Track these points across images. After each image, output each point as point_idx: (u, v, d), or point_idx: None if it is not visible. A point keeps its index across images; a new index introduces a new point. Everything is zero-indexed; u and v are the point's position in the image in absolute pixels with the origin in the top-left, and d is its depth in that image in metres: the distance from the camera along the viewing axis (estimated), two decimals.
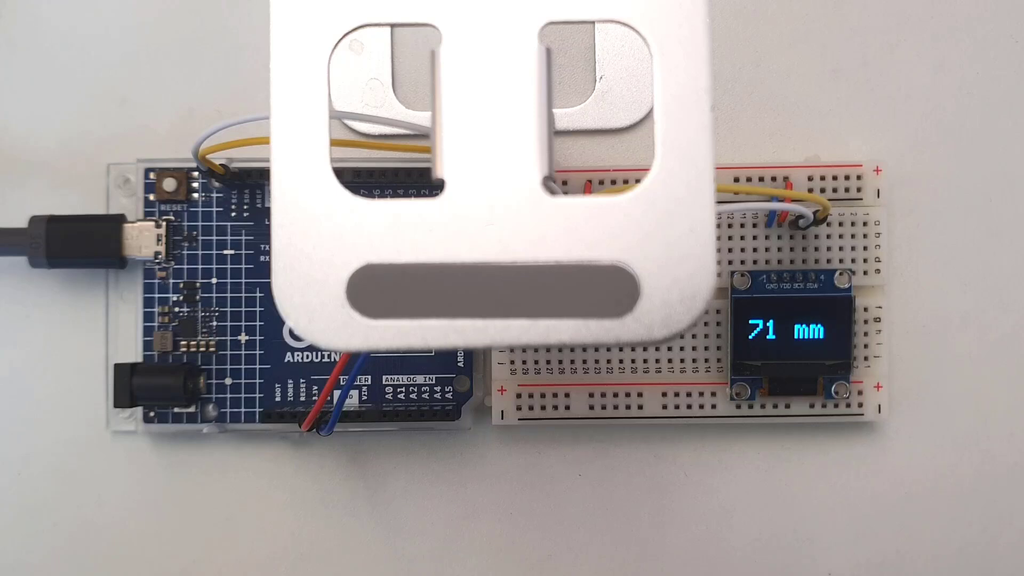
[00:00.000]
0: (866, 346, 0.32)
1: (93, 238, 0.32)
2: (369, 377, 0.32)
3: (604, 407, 0.32)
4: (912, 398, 0.33)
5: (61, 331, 0.33)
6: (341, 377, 0.31)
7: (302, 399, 0.33)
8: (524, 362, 0.32)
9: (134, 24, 0.34)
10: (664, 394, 0.32)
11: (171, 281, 0.33)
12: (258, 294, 0.33)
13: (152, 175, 0.32)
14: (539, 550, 0.33)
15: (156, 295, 0.33)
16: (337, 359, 0.32)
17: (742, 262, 0.32)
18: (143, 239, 0.32)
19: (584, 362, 0.32)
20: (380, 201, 0.20)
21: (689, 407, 0.32)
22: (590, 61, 0.33)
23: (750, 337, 0.31)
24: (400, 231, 0.20)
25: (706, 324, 0.32)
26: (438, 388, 0.32)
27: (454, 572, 0.33)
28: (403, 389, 0.32)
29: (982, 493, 0.33)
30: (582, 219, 0.20)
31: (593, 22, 0.22)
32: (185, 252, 0.33)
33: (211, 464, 0.33)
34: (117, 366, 0.32)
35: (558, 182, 0.31)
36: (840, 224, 0.32)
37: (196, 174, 0.32)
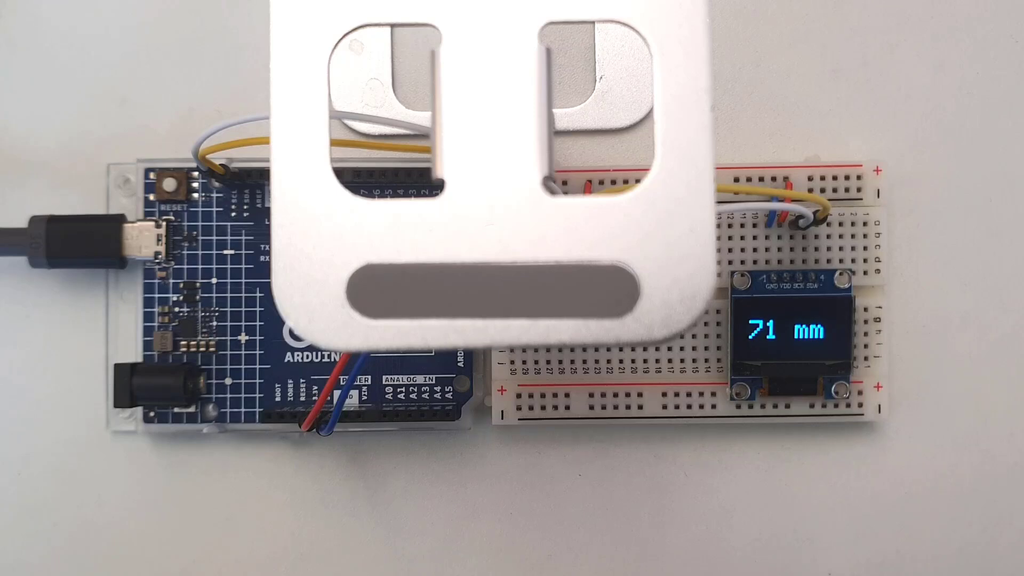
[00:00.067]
0: (866, 346, 0.32)
1: (93, 238, 0.32)
2: (369, 377, 0.32)
3: (604, 407, 0.32)
4: (912, 398, 0.33)
5: (61, 331, 0.33)
6: (341, 377, 0.31)
7: (302, 399, 0.33)
8: (524, 362, 0.32)
9: (134, 24, 0.34)
10: (664, 394, 0.32)
11: (171, 281, 0.33)
12: (258, 294, 0.33)
13: (152, 175, 0.32)
14: (539, 550, 0.33)
15: (156, 295, 0.33)
16: (337, 359, 0.32)
17: (742, 262, 0.32)
18: (143, 239, 0.32)
19: (584, 362, 0.32)
20: (380, 201, 0.20)
21: (689, 407, 0.32)
22: (590, 61, 0.33)
23: (750, 337, 0.31)
24: (400, 231, 0.20)
25: (706, 324, 0.32)
26: (438, 388, 0.32)
27: (454, 572, 0.33)
28: (403, 389, 0.32)
29: (982, 493, 0.33)
30: (582, 219, 0.20)
31: (593, 22, 0.22)
32: (185, 252, 0.33)
33: (211, 464, 0.33)
34: (117, 366, 0.32)
35: (558, 182, 0.31)
36: (840, 224, 0.32)
37: (196, 174, 0.32)
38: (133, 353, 0.33)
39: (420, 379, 0.32)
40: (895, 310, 0.33)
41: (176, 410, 0.32)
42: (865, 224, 0.32)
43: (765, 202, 0.31)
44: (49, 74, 0.34)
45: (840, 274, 0.31)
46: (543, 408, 0.32)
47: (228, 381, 0.32)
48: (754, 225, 0.32)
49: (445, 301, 0.20)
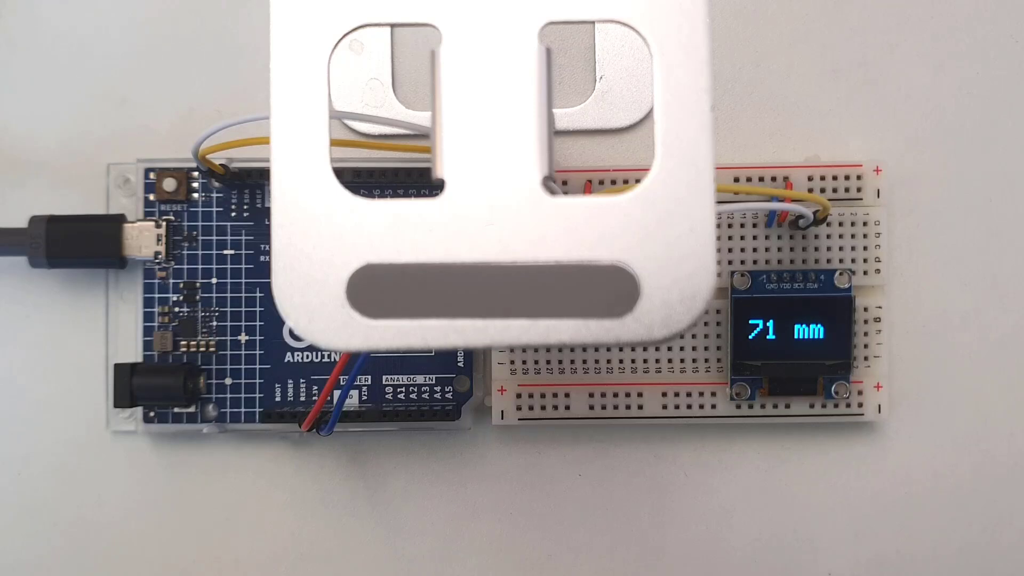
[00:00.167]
0: (866, 346, 0.32)
1: (93, 238, 0.32)
2: (369, 377, 0.32)
3: (604, 407, 0.32)
4: (912, 398, 0.33)
5: (61, 331, 0.33)
6: (341, 377, 0.30)
7: (302, 399, 0.33)
8: (524, 362, 0.32)
9: (134, 24, 0.34)
10: (664, 394, 0.32)
11: (171, 281, 0.33)
12: (258, 294, 0.33)
13: (152, 175, 0.32)
14: (539, 550, 0.33)
15: (156, 295, 0.33)
16: (337, 359, 0.32)
17: (742, 262, 0.32)
18: (143, 239, 0.32)
19: (584, 362, 0.32)
20: (380, 201, 0.20)
21: (689, 407, 0.32)
22: (590, 61, 0.33)
23: (750, 337, 0.31)
24: (400, 231, 0.20)
25: (706, 324, 0.32)
26: (438, 388, 0.32)
27: (454, 572, 0.33)
28: (403, 389, 0.32)
29: (982, 493, 0.33)
30: (582, 219, 0.20)
31: (593, 22, 0.22)
32: (185, 252, 0.33)
33: (211, 464, 0.33)
34: (117, 366, 0.32)
35: (558, 182, 0.31)
36: (840, 224, 0.32)
37: (196, 174, 0.32)
38: (133, 353, 0.33)
39: (420, 379, 0.32)
40: (895, 310, 0.33)
41: (176, 410, 0.32)
42: (865, 224, 0.32)
43: (765, 202, 0.31)
44: (49, 74, 0.34)
45: (840, 274, 0.31)
46: (543, 408, 0.32)
47: (228, 381, 0.32)
48: (754, 225, 0.32)
49: (445, 301, 0.20)
